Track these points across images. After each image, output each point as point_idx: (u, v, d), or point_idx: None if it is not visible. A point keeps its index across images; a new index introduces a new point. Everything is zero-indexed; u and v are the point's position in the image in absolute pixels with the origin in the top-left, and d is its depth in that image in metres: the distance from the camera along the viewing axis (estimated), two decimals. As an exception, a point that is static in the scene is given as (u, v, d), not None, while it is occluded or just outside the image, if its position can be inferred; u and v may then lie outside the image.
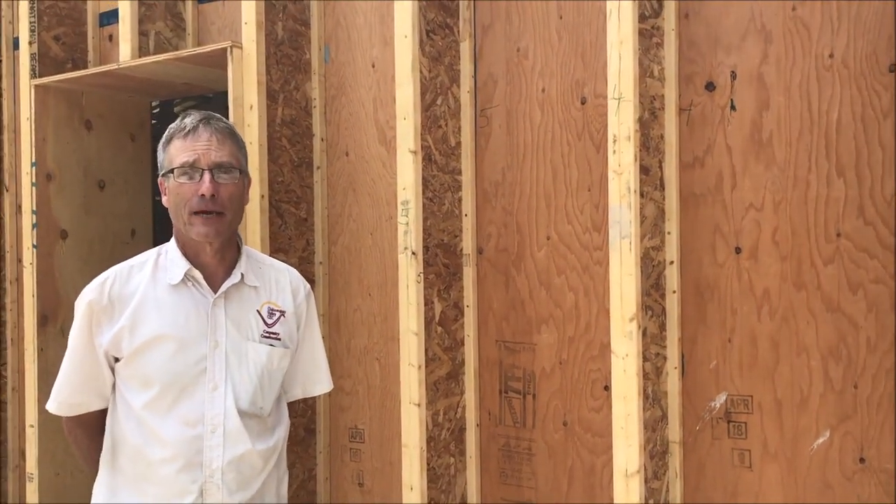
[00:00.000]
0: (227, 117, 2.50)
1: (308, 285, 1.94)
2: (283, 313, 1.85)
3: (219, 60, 2.68)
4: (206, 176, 1.70)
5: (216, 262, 1.79)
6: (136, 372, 1.72)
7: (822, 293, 2.07)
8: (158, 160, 1.81)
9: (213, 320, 1.76)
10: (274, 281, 1.87)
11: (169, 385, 1.71)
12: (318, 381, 1.98)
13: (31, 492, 3.11)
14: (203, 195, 1.69)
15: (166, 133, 1.79)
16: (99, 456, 1.81)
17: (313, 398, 2.82)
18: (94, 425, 1.81)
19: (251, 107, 2.57)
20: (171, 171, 1.72)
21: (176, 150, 1.73)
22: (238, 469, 1.75)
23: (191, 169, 1.71)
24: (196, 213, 1.70)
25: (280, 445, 1.87)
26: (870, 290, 2.02)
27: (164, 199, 1.79)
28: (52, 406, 1.81)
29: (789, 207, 2.11)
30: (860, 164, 2.03)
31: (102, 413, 1.81)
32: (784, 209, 2.12)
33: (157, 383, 1.71)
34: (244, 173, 1.79)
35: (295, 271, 1.94)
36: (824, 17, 2.06)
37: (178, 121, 1.78)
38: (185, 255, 1.78)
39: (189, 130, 1.73)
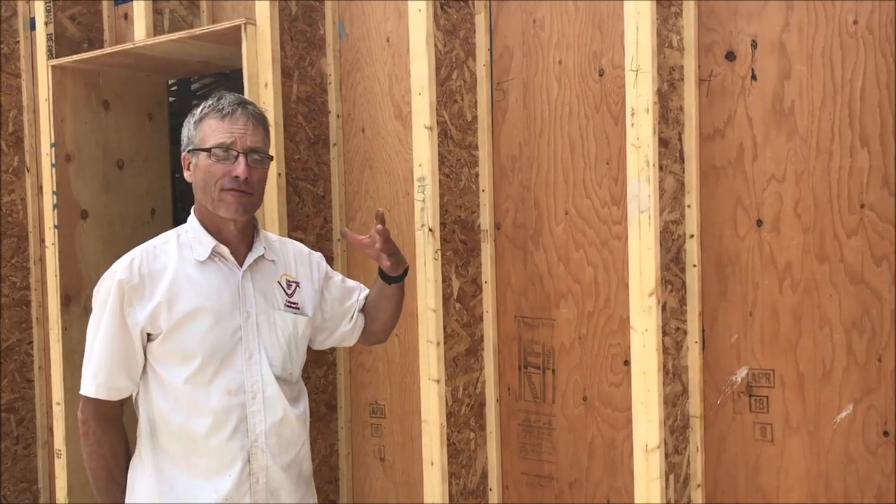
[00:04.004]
0: (242, 95, 2.50)
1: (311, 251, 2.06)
2: (297, 284, 1.95)
3: (233, 38, 2.66)
4: (242, 159, 1.77)
5: (238, 239, 1.86)
6: (176, 347, 1.76)
7: (846, 265, 2.04)
8: (185, 135, 1.85)
9: (243, 292, 1.84)
10: (285, 254, 1.97)
11: (210, 356, 1.77)
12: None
13: (60, 468, 3.16)
14: (237, 176, 1.76)
15: (199, 110, 1.83)
16: (109, 452, 1.82)
17: (334, 375, 2.84)
18: (112, 417, 1.83)
19: (266, 84, 2.56)
20: (205, 149, 1.78)
21: (211, 129, 1.79)
22: (279, 433, 1.83)
23: (227, 150, 1.77)
24: (226, 190, 1.77)
25: (308, 414, 1.95)
26: (894, 262, 1.98)
27: (187, 174, 1.85)
28: (90, 389, 1.79)
29: (812, 178, 2.07)
30: (885, 134, 1.98)
31: (121, 404, 1.84)
32: (806, 180, 2.08)
33: (199, 356, 1.76)
34: (271, 159, 1.88)
35: (296, 242, 2.06)
36: (848, -17, 2.01)
37: (212, 100, 1.83)
38: (209, 232, 1.84)
39: (227, 112, 1.79)
